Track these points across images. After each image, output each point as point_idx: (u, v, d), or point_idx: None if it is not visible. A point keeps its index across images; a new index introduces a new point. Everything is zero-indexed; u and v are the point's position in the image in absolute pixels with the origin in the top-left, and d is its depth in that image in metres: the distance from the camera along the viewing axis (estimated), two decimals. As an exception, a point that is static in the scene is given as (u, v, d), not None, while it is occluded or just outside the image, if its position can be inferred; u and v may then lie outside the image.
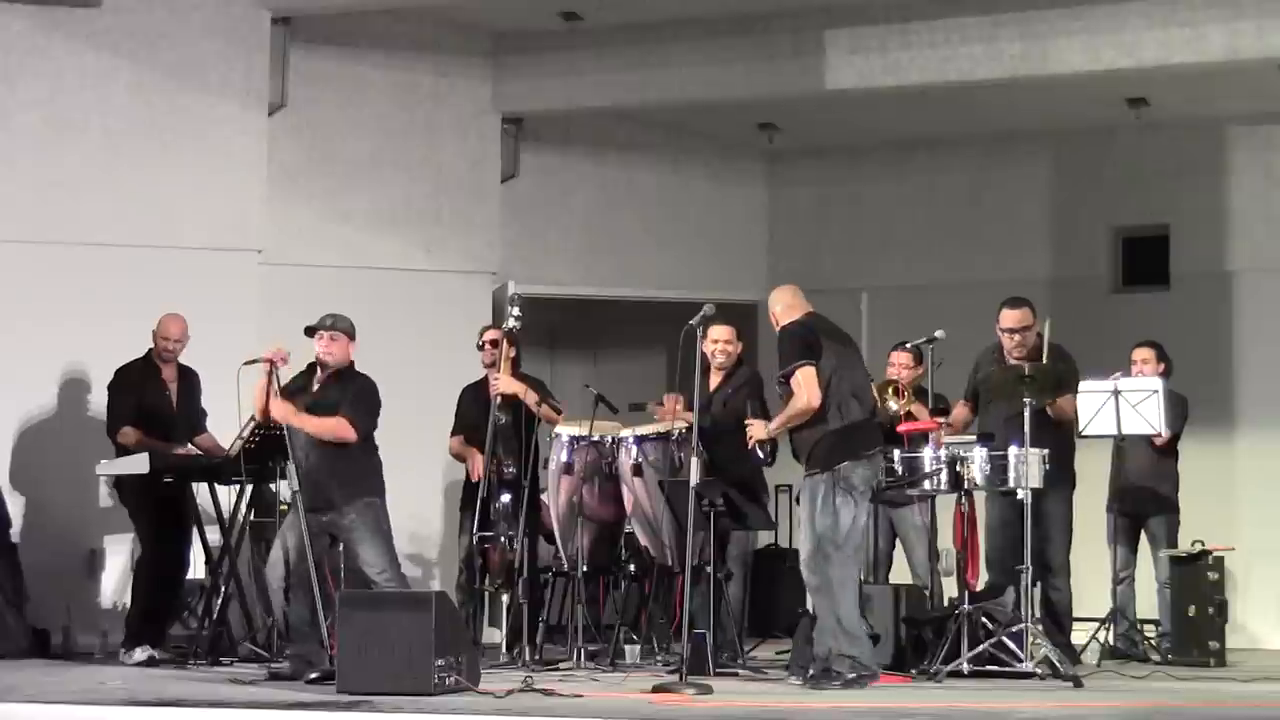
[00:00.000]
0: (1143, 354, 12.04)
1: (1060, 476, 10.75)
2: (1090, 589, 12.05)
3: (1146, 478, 12.01)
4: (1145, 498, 12.03)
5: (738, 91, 13.88)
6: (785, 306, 9.92)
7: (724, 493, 10.37)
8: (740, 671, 10.46)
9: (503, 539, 10.89)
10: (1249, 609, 13.53)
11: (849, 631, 9.51)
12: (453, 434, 11.89)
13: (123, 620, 11.61)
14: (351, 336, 10.34)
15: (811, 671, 9.65)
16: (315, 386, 10.31)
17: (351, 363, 10.34)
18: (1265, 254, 14.26)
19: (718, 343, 11.01)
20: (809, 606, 10.00)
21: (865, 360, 10.13)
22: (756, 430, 9.99)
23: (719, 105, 14.24)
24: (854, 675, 9.41)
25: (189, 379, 11.71)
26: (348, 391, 10.21)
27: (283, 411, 10.09)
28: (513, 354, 11.33)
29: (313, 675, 9.62)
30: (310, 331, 10.30)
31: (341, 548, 10.55)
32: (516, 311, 11.05)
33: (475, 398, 11.72)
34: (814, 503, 9.59)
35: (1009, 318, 11.00)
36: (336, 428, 10.10)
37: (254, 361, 10.13)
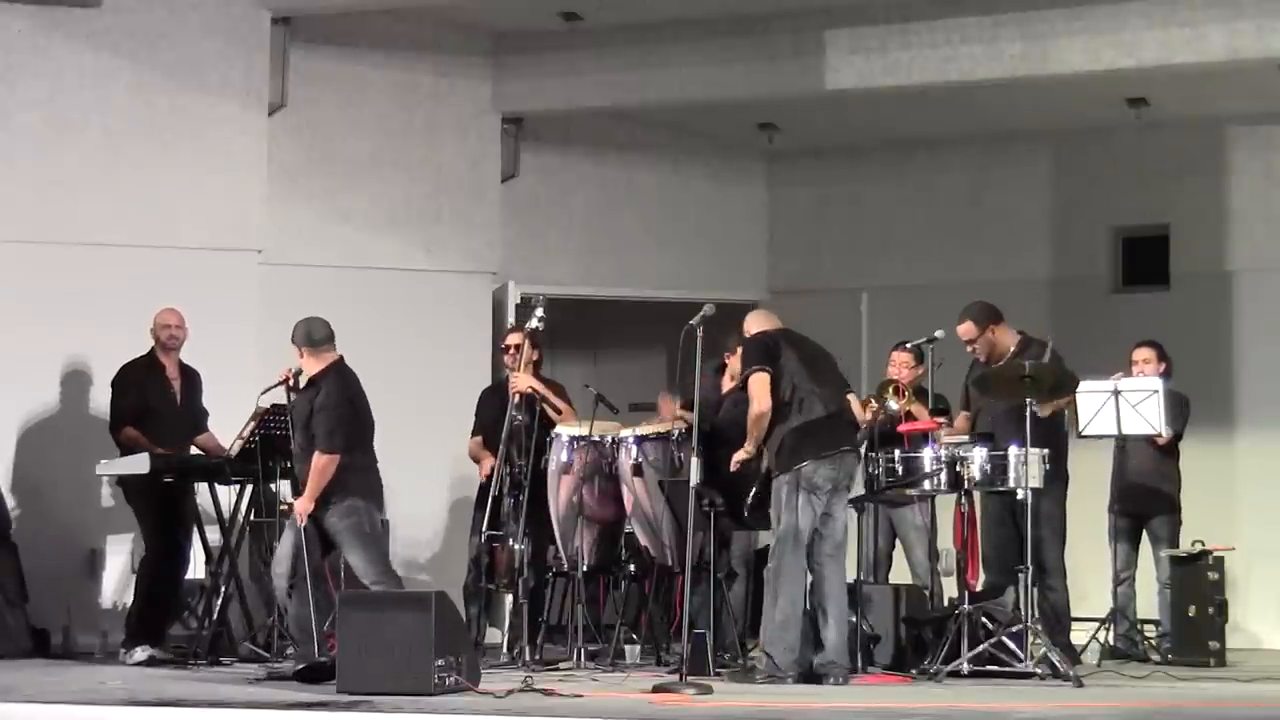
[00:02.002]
0: (1143, 354, 12.03)
1: (1052, 476, 10.72)
2: (1091, 589, 12.05)
3: (1148, 477, 11.99)
4: (1147, 497, 12.02)
5: (738, 91, 13.87)
6: (757, 328, 10.14)
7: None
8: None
9: (512, 539, 10.89)
10: (1249, 609, 13.51)
11: (779, 630, 9.63)
12: (472, 434, 11.89)
13: (123, 620, 11.61)
14: (305, 342, 10.28)
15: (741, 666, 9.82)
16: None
17: (321, 371, 10.26)
18: (1265, 254, 14.24)
19: None
20: (807, 606, 10.00)
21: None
22: (738, 455, 10.10)
23: (719, 105, 14.23)
24: (766, 676, 9.49)
25: (191, 379, 11.71)
26: (308, 410, 10.22)
27: (302, 506, 10.18)
28: (536, 356, 11.37)
29: (299, 666, 9.66)
30: None
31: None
32: (540, 313, 11.07)
33: (495, 399, 11.72)
34: (778, 501, 9.79)
35: (957, 332, 11.05)
36: (322, 472, 10.09)
37: (271, 389, 10.42)
